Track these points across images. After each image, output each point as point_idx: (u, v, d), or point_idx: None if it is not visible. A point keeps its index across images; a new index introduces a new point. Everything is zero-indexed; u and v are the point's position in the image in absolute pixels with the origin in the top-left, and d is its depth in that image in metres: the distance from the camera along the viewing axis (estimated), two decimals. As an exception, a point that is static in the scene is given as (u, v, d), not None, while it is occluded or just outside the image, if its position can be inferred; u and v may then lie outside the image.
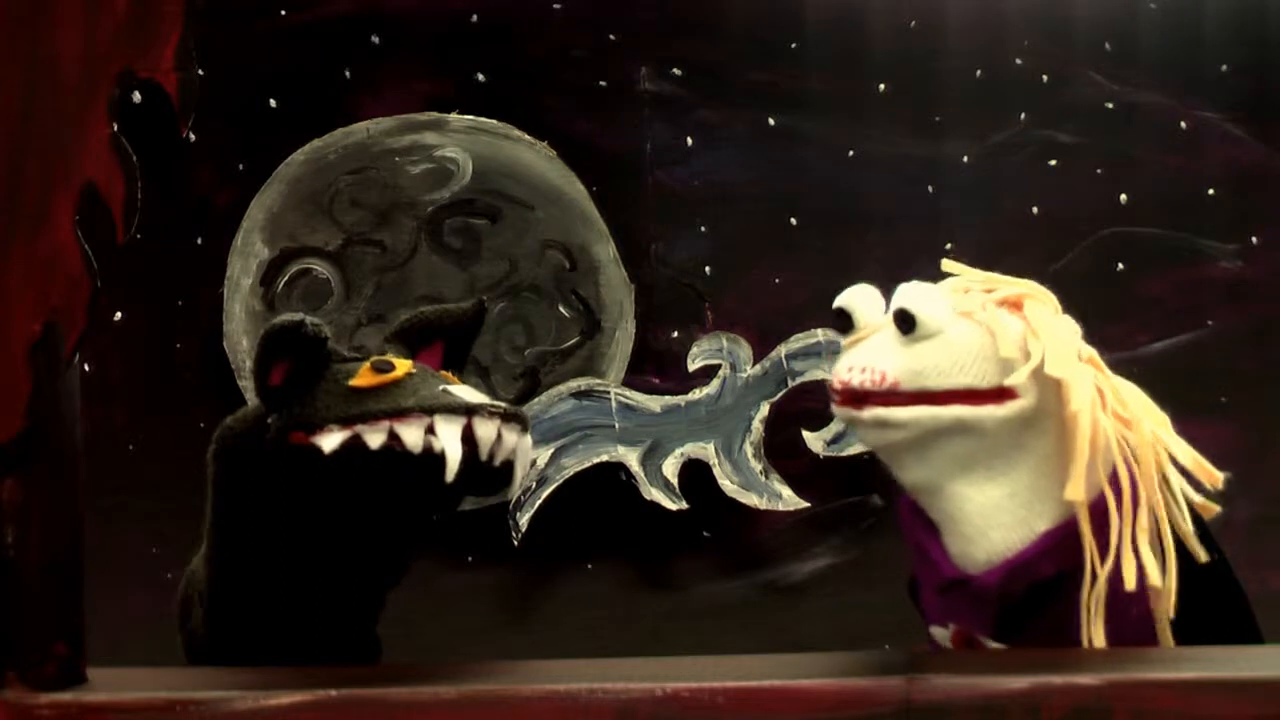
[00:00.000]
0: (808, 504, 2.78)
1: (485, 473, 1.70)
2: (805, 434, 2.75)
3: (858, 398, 1.78)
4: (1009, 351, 1.75)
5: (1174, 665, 1.54)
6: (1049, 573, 1.77)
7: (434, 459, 1.66)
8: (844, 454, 2.75)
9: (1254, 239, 2.89)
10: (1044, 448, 1.78)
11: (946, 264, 1.90)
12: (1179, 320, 2.87)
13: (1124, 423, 1.78)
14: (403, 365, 1.76)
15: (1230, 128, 2.88)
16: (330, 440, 1.68)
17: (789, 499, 2.77)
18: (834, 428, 2.76)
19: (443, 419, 1.68)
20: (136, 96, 1.47)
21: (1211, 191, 2.88)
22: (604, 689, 1.40)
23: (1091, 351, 1.83)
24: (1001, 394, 1.76)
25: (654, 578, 2.82)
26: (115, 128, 1.43)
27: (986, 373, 1.76)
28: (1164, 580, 1.73)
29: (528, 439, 1.76)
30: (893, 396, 1.76)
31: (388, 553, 1.84)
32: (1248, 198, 2.89)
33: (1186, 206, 2.88)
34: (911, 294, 1.79)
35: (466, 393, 1.74)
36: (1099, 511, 1.75)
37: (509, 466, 1.73)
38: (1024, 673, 1.43)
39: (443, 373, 1.83)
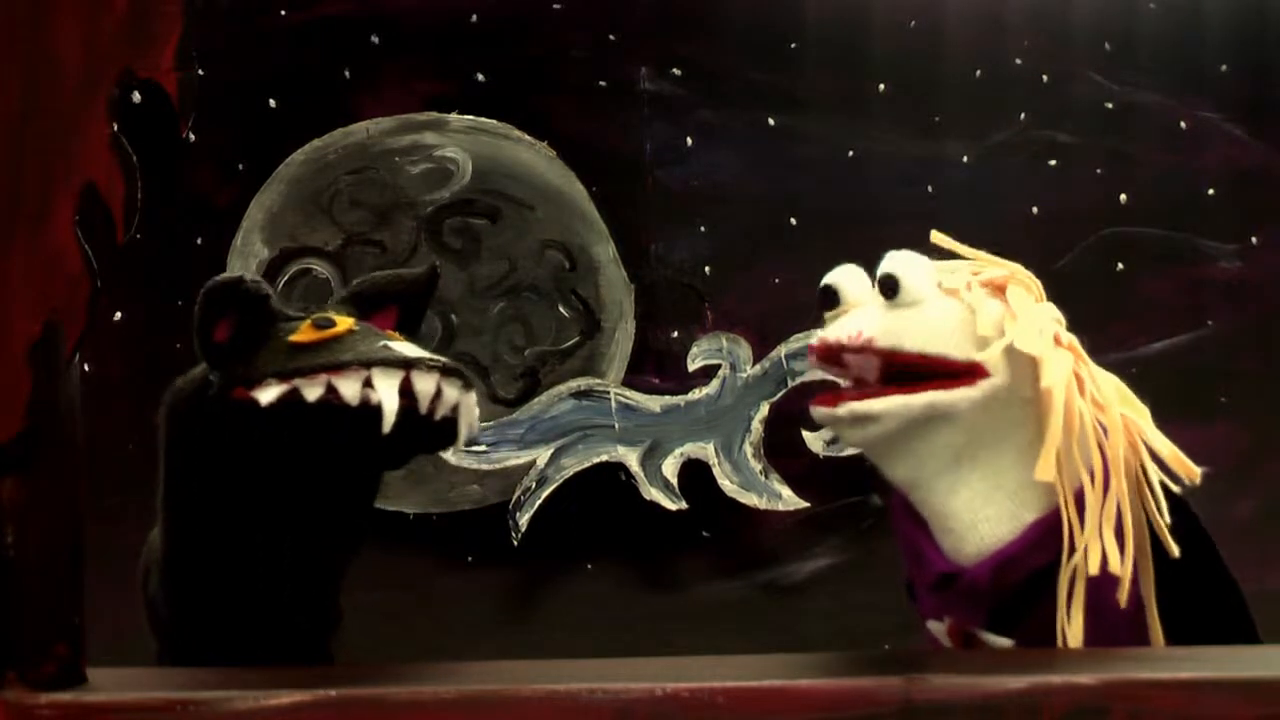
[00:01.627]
0: (807, 504, 2.78)
1: (426, 427, 1.71)
2: (805, 434, 2.75)
3: (834, 356, 1.79)
4: (986, 329, 1.76)
5: (1173, 665, 1.54)
6: (1040, 563, 1.77)
7: (371, 411, 1.67)
8: (844, 454, 2.75)
9: (1254, 239, 2.89)
10: (1025, 438, 1.78)
11: (936, 236, 1.91)
12: (1179, 320, 2.87)
13: (1099, 408, 1.78)
14: (344, 322, 1.77)
15: (1230, 128, 2.88)
16: (268, 394, 1.69)
17: (789, 499, 2.77)
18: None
19: (380, 372, 1.68)
20: (136, 96, 1.47)
21: (1211, 191, 2.88)
22: (604, 689, 1.40)
23: (1072, 338, 1.84)
24: (974, 371, 1.76)
25: (654, 578, 2.82)
26: (115, 128, 1.43)
27: (962, 346, 1.77)
28: (1124, 566, 1.73)
29: (471, 395, 1.76)
30: (866, 391, 1.77)
31: (333, 508, 1.84)
32: (1248, 198, 2.89)
33: (1186, 206, 2.88)
34: (898, 260, 1.81)
35: (408, 348, 1.75)
36: (1081, 500, 1.75)
37: (451, 421, 1.73)
38: (1023, 673, 1.43)
39: (388, 332, 1.83)
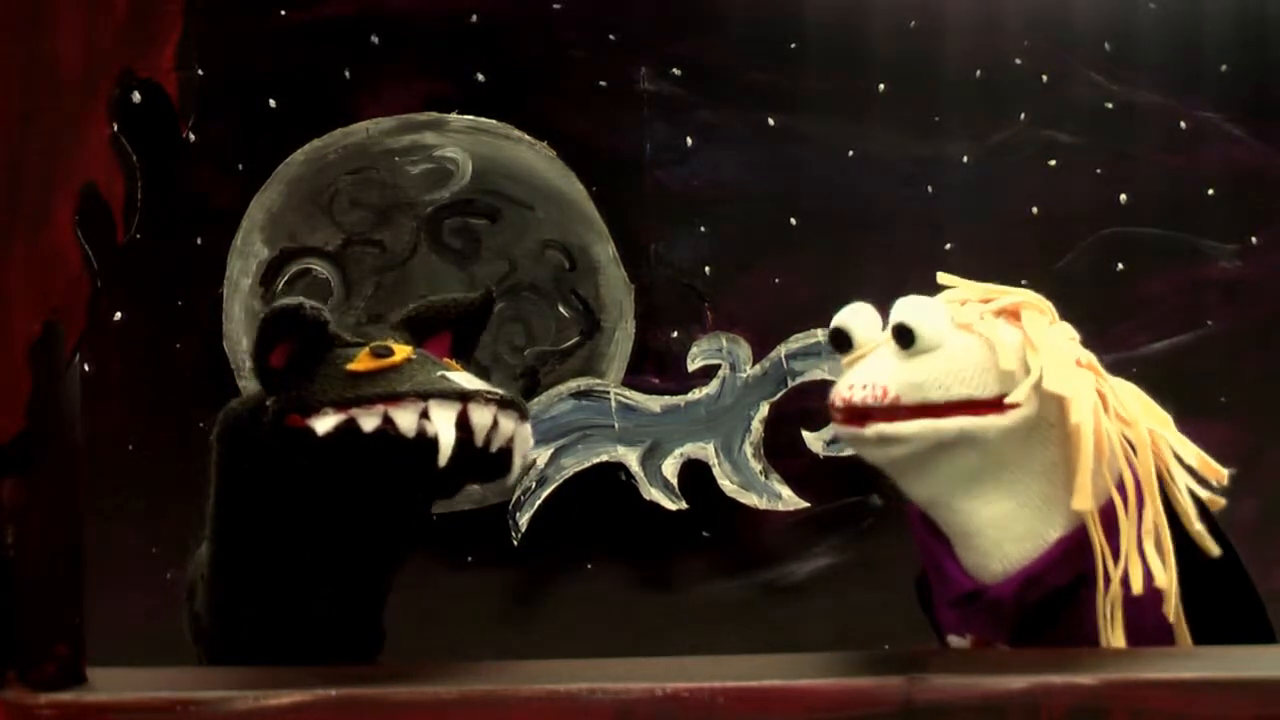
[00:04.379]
0: (808, 504, 2.78)
1: (481, 459, 1.71)
2: (805, 434, 2.75)
3: (859, 415, 1.77)
4: (1008, 364, 1.75)
5: (1174, 665, 1.54)
6: (1064, 580, 1.76)
7: (427, 443, 1.67)
8: (844, 454, 2.75)
9: (1254, 239, 2.89)
10: (1051, 457, 1.78)
11: (942, 277, 1.91)
12: (1179, 320, 2.87)
13: (1125, 424, 1.78)
14: (402, 351, 1.77)
15: (1230, 128, 2.88)
16: (324, 423, 1.68)
17: (789, 499, 2.77)
18: (833, 428, 2.75)
19: (437, 404, 1.68)
20: (136, 96, 1.47)
21: (1211, 191, 2.88)
22: (604, 689, 1.40)
23: (1090, 356, 1.83)
24: (1001, 404, 1.76)
25: (654, 578, 2.82)
26: (115, 128, 1.43)
27: (987, 384, 1.76)
28: (1169, 581, 1.73)
29: (526, 427, 1.76)
30: (895, 412, 1.76)
31: (385, 537, 1.84)
32: (1248, 198, 2.89)
33: (1186, 206, 2.88)
34: (910, 308, 1.79)
35: (466, 379, 1.74)
36: (1109, 516, 1.75)
37: (506, 453, 1.73)
38: (1024, 673, 1.43)
39: (445, 360, 1.83)
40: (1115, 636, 1.74)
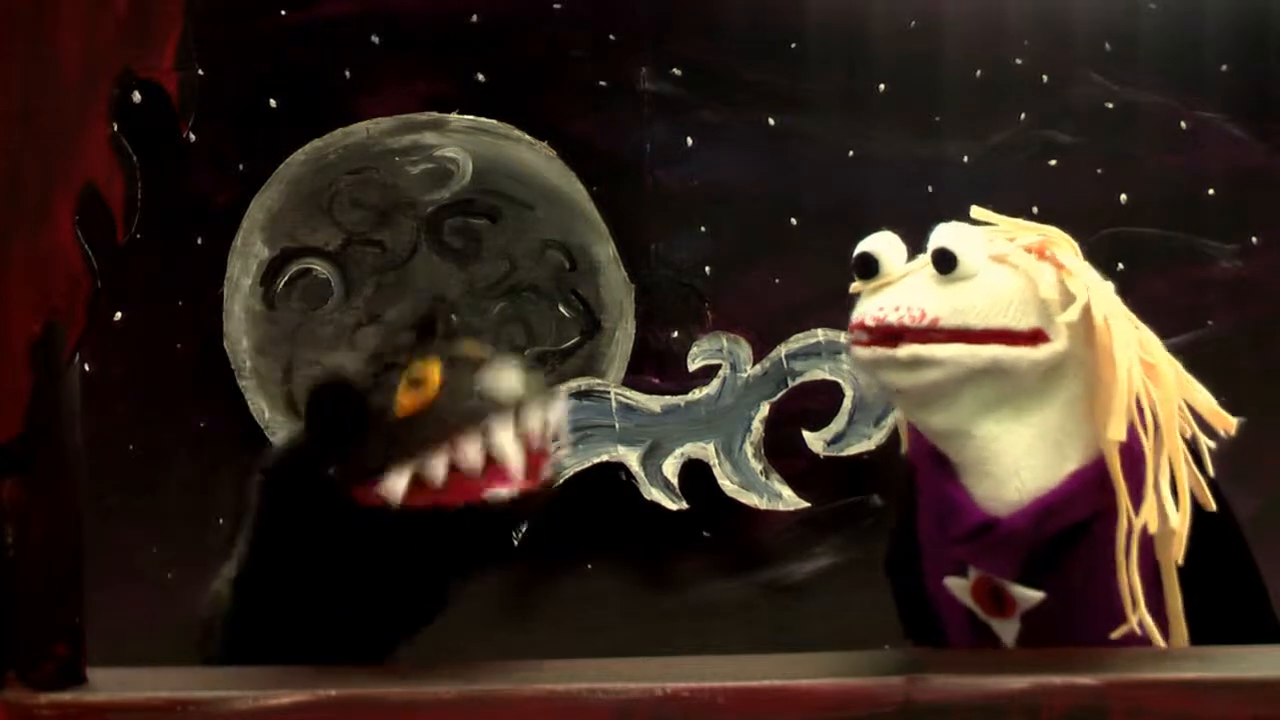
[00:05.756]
0: (808, 504, 2.78)
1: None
2: (805, 434, 2.75)
3: (891, 336, 1.76)
4: (1049, 293, 1.75)
5: (1174, 665, 1.54)
6: (1082, 515, 1.76)
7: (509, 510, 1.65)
8: (844, 454, 2.75)
9: (1254, 239, 2.89)
10: (1072, 389, 1.77)
11: (977, 211, 1.90)
12: (1179, 320, 2.87)
13: (1148, 367, 1.78)
14: (430, 370, 1.63)
15: (1230, 128, 2.88)
16: (395, 487, 1.60)
17: (789, 499, 2.77)
18: (834, 428, 2.76)
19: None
20: (136, 96, 1.47)
21: (1211, 191, 2.88)
22: (604, 689, 1.40)
23: (1117, 299, 1.84)
24: (1036, 337, 1.75)
25: (654, 578, 2.82)
26: (115, 128, 1.43)
27: (1024, 316, 1.75)
28: (1182, 523, 1.73)
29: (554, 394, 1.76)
30: (929, 335, 1.75)
31: (432, 595, 1.82)
32: (1248, 198, 2.89)
33: (1186, 206, 2.88)
34: (952, 233, 1.79)
35: (506, 382, 1.65)
36: (1129, 452, 1.75)
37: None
38: (1024, 673, 1.43)
39: (466, 350, 1.71)
40: (1134, 574, 1.73)
